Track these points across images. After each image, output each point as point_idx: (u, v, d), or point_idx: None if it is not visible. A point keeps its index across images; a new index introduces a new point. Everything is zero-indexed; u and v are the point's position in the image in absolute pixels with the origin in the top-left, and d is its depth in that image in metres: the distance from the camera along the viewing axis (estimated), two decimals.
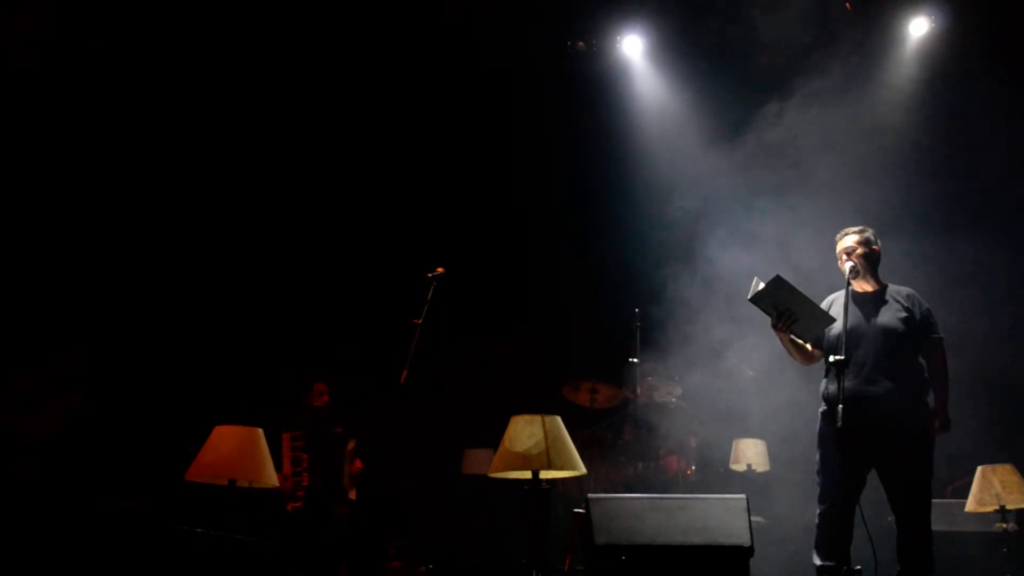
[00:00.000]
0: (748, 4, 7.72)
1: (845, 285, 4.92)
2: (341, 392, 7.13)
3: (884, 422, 4.74)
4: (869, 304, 4.98)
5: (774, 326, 4.89)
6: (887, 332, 4.89)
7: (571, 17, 8.34)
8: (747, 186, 7.73)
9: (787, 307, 4.78)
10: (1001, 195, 7.72)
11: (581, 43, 8.47)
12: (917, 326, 4.95)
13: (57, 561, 6.27)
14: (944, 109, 7.89)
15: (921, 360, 4.97)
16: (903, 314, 4.94)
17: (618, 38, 8.50)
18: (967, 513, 5.82)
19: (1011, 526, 5.65)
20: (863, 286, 5.04)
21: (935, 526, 4.90)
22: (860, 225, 5.18)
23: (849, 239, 5.10)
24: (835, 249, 5.17)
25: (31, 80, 6.87)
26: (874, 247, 5.10)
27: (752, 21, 7.73)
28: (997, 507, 5.64)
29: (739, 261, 7.03)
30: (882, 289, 5.05)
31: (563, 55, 8.43)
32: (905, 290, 5.09)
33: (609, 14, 8.36)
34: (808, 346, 5.06)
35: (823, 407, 4.96)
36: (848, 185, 7.58)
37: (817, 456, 4.95)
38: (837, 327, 4.85)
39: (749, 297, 4.82)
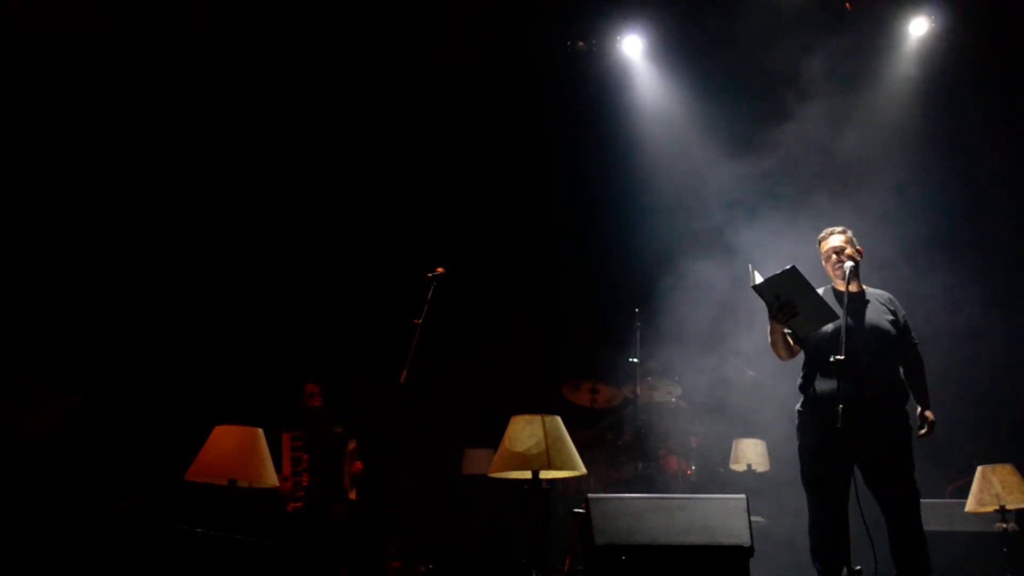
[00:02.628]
0: (748, 4, 7.72)
1: (846, 284, 4.89)
2: (341, 392, 7.14)
3: (871, 423, 4.71)
4: (856, 305, 4.94)
5: (773, 316, 4.86)
6: (878, 333, 4.88)
7: (571, 17, 8.33)
8: (747, 185, 7.74)
9: (789, 299, 4.75)
10: (1000, 194, 7.71)
11: (581, 43, 8.47)
12: (901, 329, 4.96)
13: (57, 561, 6.27)
14: (943, 109, 7.89)
15: (898, 363, 4.97)
16: (889, 316, 4.94)
17: (618, 38, 8.50)
18: (967, 513, 5.81)
19: (1011, 526, 5.64)
20: (848, 287, 5.00)
21: (935, 526, 4.90)
22: (842, 226, 5.17)
23: (837, 238, 5.07)
24: (820, 249, 5.15)
25: (31, 80, 6.87)
26: (857, 248, 5.10)
27: (751, 21, 7.74)
28: (997, 507, 5.63)
29: (740, 260, 7.03)
30: (863, 291, 5.04)
31: (563, 55, 8.43)
32: (885, 294, 5.09)
33: (609, 14, 8.36)
34: (790, 340, 5.03)
35: (800, 407, 4.95)
36: (848, 184, 7.59)
37: (800, 463, 4.93)
38: (831, 326, 4.83)
39: (753, 284, 4.78)
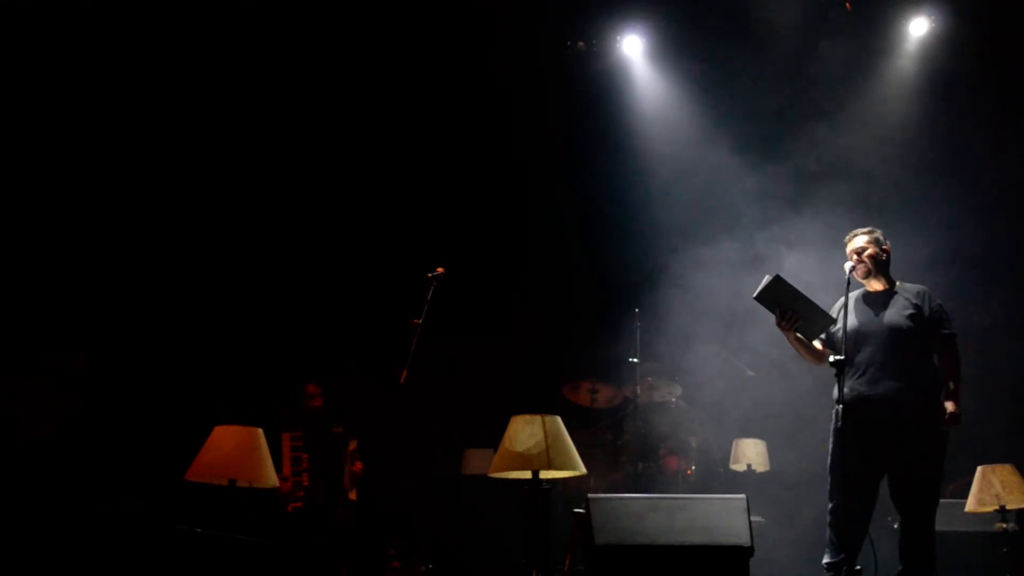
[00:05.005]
0: (748, 4, 7.72)
1: (845, 284, 4.91)
2: (341, 392, 7.13)
3: (891, 422, 4.73)
4: (878, 303, 4.97)
5: (778, 324, 4.90)
6: (893, 329, 4.88)
7: (571, 17, 8.33)
8: (747, 185, 7.74)
9: (789, 306, 4.79)
10: (1000, 193, 7.72)
11: (581, 43, 8.46)
12: (926, 322, 4.92)
13: (57, 562, 6.27)
14: (943, 108, 7.89)
15: (934, 358, 4.95)
16: (910, 311, 4.92)
17: (618, 38, 8.49)
18: (967, 513, 5.81)
19: (1011, 526, 5.64)
20: (873, 285, 5.04)
21: (935, 526, 4.90)
22: (869, 226, 5.19)
23: (859, 240, 5.10)
24: (845, 250, 5.17)
25: (33, 82, 6.87)
26: (884, 247, 5.10)
27: (752, 21, 7.73)
28: (997, 507, 5.63)
29: (740, 260, 7.04)
30: (892, 288, 5.04)
31: (563, 55, 8.43)
32: (916, 287, 5.07)
33: (609, 14, 8.35)
34: (817, 344, 5.05)
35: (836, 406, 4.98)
36: (851, 182, 7.60)
37: (829, 453, 4.96)
38: (850, 325, 4.84)
39: (754, 295, 4.83)
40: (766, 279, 4.85)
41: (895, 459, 4.79)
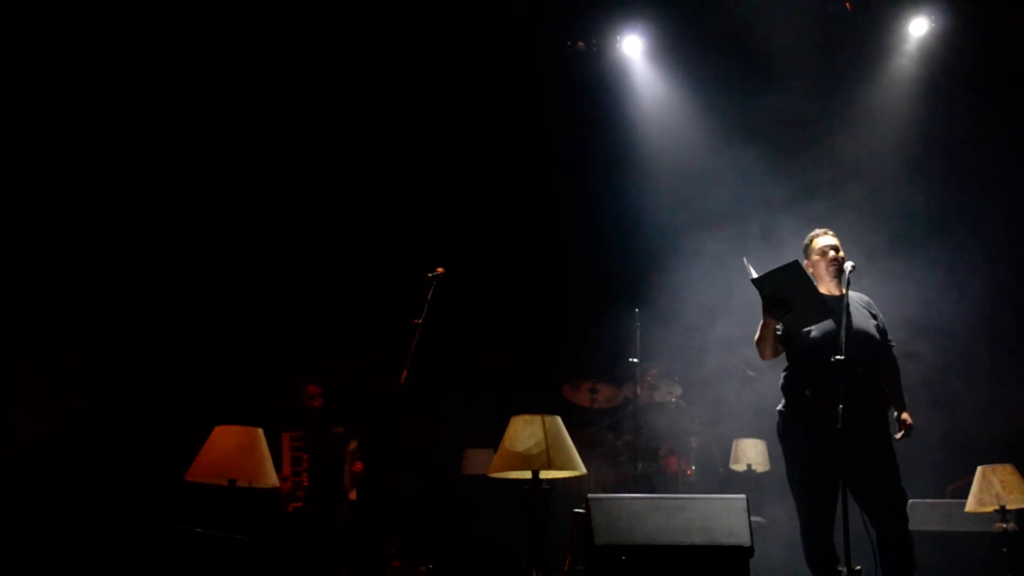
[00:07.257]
0: (748, 4, 7.72)
1: (846, 284, 4.85)
2: (341, 392, 7.14)
3: (859, 427, 4.65)
4: (840, 306, 4.89)
5: (768, 311, 4.80)
6: (866, 337, 4.86)
7: (571, 17, 8.33)
8: (747, 185, 7.74)
9: (787, 294, 4.72)
10: (998, 192, 7.72)
11: (581, 43, 8.46)
12: (883, 333, 4.99)
13: (57, 562, 6.27)
14: (943, 108, 7.90)
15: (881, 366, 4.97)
16: (873, 321, 4.96)
17: (618, 38, 8.49)
18: (967, 513, 5.81)
19: (1011, 526, 5.64)
20: (831, 289, 4.96)
21: (935, 526, 4.90)
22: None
23: (827, 239, 5.07)
24: (812, 247, 5.11)
25: (34, 80, 6.87)
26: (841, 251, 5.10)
27: (752, 22, 7.73)
28: (997, 507, 5.63)
29: (740, 260, 7.02)
30: (843, 294, 4.95)
31: (563, 55, 8.43)
32: (864, 297, 5.10)
33: (609, 14, 8.35)
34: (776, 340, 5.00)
35: (784, 409, 4.95)
36: (851, 184, 7.60)
37: (788, 466, 4.94)
38: (824, 326, 4.82)
39: (752, 278, 4.76)
40: (746, 262, 4.80)
41: (860, 461, 4.67)
